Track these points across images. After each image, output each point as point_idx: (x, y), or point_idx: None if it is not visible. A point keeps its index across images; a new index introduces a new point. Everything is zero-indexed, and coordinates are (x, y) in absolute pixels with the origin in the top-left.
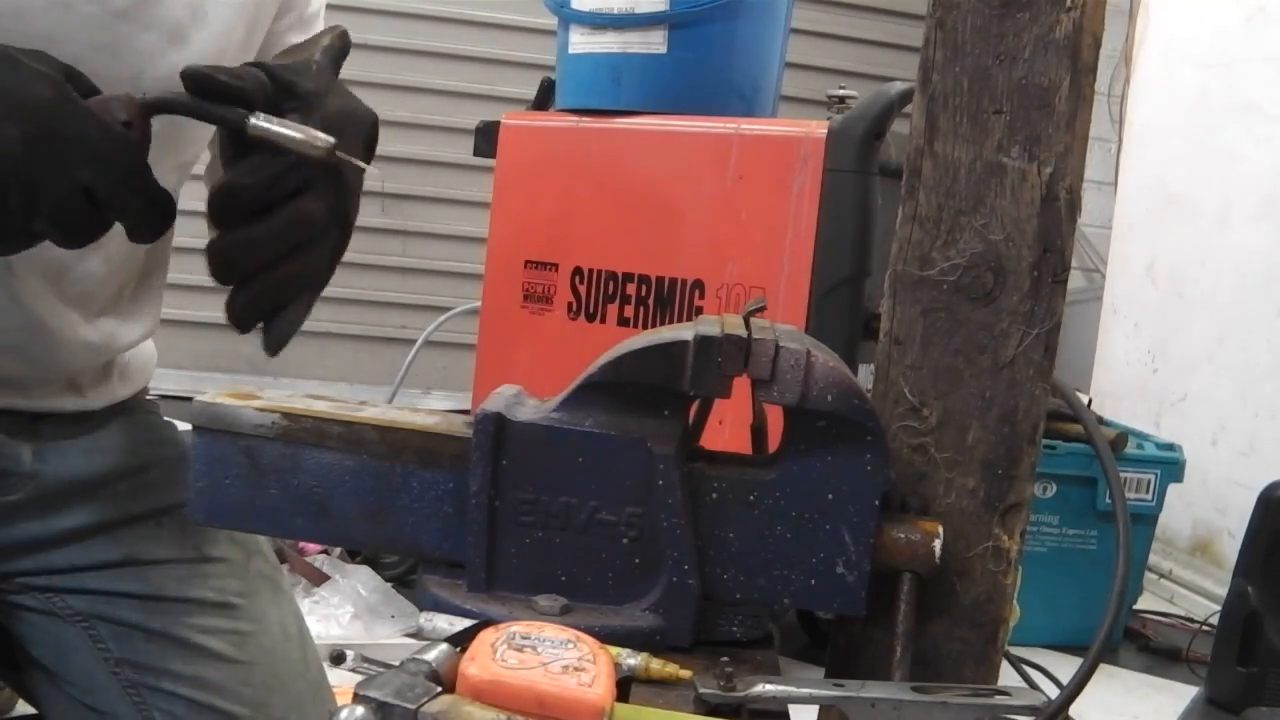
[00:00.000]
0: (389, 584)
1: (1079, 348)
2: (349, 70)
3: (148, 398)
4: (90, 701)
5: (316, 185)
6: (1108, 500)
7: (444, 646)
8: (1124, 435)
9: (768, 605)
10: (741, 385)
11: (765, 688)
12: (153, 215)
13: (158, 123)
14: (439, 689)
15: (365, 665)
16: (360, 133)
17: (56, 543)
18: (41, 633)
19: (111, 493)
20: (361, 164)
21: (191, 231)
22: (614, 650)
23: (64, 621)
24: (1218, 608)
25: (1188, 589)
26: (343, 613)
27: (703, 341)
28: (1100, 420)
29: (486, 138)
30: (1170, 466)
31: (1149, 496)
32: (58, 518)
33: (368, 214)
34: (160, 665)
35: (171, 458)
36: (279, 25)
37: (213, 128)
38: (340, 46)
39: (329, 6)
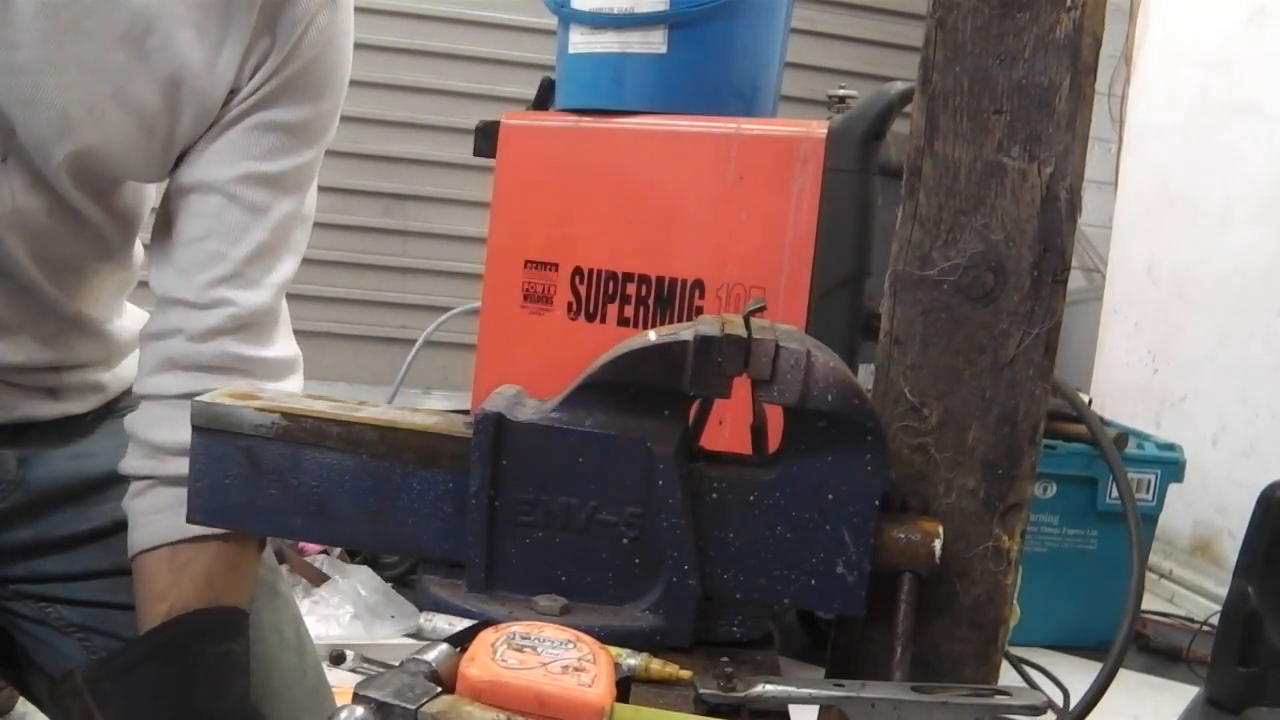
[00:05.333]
0: (389, 584)
1: (1079, 348)
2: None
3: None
4: None
5: None
6: (1108, 500)
7: (444, 646)
8: (1124, 435)
9: (768, 605)
10: (741, 385)
11: (765, 688)
12: None
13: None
14: (439, 689)
15: (365, 665)
16: None
17: (49, 549)
18: (39, 641)
19: (102, 499)
20: None
21: None
22: (614, 650)
23: (59, 633)
24: (1218, 608)
25: (1188, 589)
26: (343, 613)
27: (703, 341)
28: (1101, 420)
29: (486, 138)
30: (1170, 466)
31: (1149, 496)
32: (48, 525)
33: (368, 214)
34: None
35: None
36: (240, 132)
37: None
38: None
39: None
